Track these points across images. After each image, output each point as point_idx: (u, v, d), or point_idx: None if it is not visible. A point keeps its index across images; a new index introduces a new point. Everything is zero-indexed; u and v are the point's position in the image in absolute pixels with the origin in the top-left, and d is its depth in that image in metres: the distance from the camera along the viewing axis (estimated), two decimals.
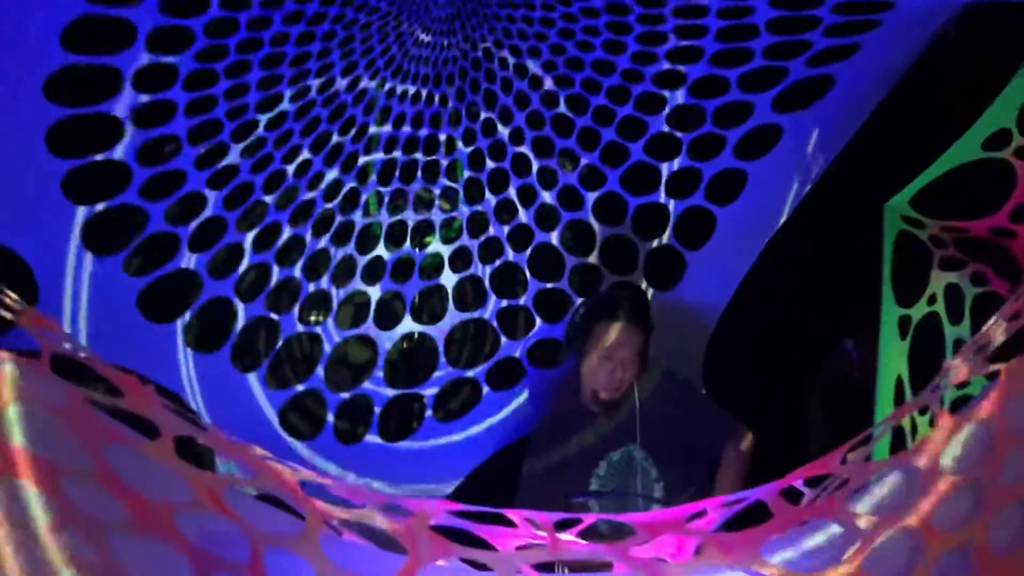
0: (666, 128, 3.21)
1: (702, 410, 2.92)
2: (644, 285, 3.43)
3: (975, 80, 2.83)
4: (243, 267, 3.15)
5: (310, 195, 3.18)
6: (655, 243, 3.39)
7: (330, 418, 3.35)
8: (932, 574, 1.40)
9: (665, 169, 3.28)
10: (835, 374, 3.49)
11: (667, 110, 3.17)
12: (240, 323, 3.19)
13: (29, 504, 1.25)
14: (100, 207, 2.77)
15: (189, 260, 3.02)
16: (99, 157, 2.70)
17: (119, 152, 2.72)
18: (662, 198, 3.33)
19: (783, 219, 3.27)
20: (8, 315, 1.45)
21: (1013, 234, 2.88)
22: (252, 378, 3.25)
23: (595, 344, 2.85)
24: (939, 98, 3.07)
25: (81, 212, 2.73)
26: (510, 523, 1.53)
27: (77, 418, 1.37)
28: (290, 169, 3.10)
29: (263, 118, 2.93)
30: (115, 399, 1.41)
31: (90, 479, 1.34)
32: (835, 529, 1.52)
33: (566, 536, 1.55)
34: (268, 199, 3.10)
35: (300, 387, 3.35)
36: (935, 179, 2.91)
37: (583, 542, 1.55)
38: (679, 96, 3.12)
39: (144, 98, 2.63)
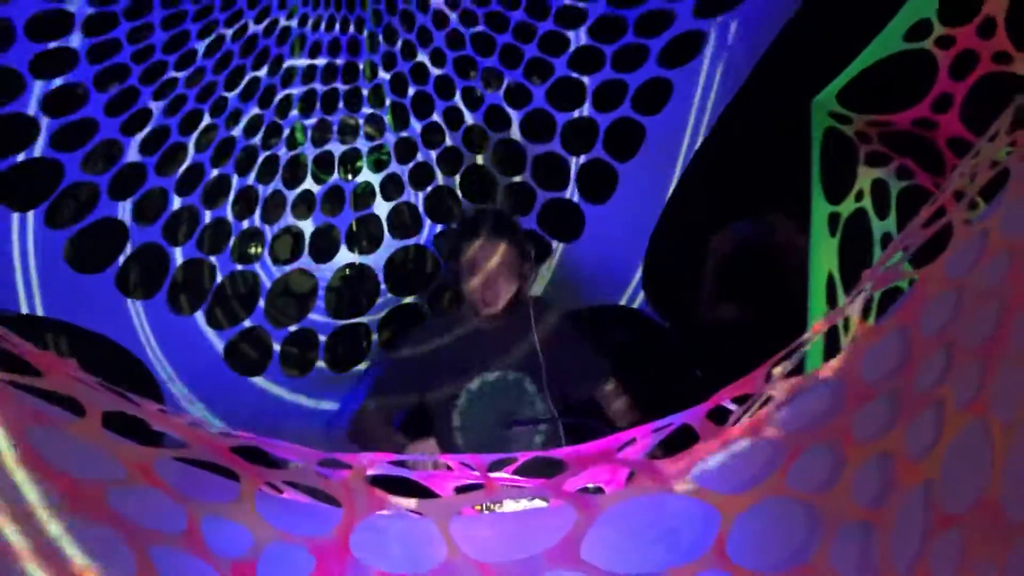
0: (588, 41, 3.16)
1: (579, 350, 2.98)
2: (577, 198, 3.44)
3: None
4: (169, 211, 3.08)
5: (230, 133, 3.10)
6: (585, 157, 3.37)
7: (277, 350, 3.34)
8: (853, 484, 1.46)
9: (590, 82, 3.24)
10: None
11: (588, 22, 3.11)
12: (174, 266, 3.16)
13: None
14: (10, 162, 2.68)
15: (112, 208, 2.95)
16: (3, 112, 2.59)
17: (24, 105, 2.61)
18: (589, 111, 3.30)
19: (712, 123, 3.25)
20: None
21: (936, 125, 2.91)
22: (199, 317, 3.23)
23: (467, 262, 2.87)
24: None
25: None
26: (446, 467, 1.56)
27: None
28: (206, 108, 3.01)
29: (171, 58, 2.83)
30: (35, 379, 1.39)
31: (16, 464, 1.33)
32: (760, 446, 1.56)
33: (501, 475, 1.58)
34: (187, 140, 3.02)
35: (246, 323, 3.33)
36: (860, 73, 2.91)
37: (518, 479, 1.58)
38: (599, 8, 3.06)
39: (41, 48, 2.51)
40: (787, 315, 2.95)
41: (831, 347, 2.69)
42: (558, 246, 3.47)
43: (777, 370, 1.67)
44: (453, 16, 3.13)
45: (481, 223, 2.89)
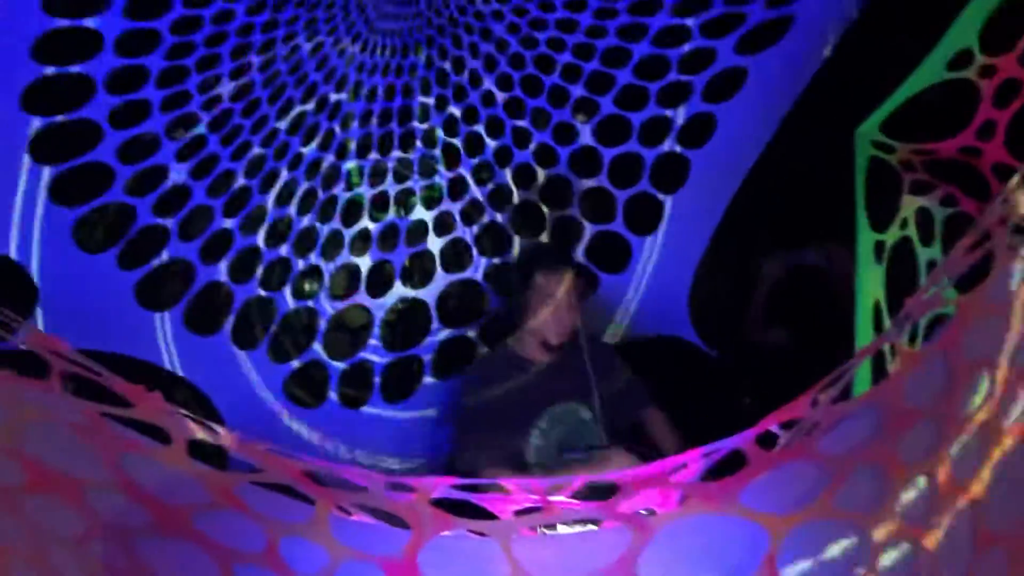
0: (633, 79, 3.24)
1: (626, 376, 3.04)
2: (624, 230, 3.52)
3: (937, 2, 2.87)
4: (234, 251, 3.22)
5: (292, 175, 3.24)
6: (632, 191, 3.45)
7: (333, 385, 3.45)
8: (899, 504, 1.51)
9: (635, 119, 3.32)
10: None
11: (633, 62, 3.20)
12: (237, 304, 3.27)
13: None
14: (88, 207, 2.83)
15: (181, 249, 3.09)
16: (82, 160, 2.75)
17: (101, 153, 2.77)
18: (636, 147, 3.38)
19: (756, 156, 3.31)
20: (14, 338, 1.53)
21: (980, 152, 2.94)
22: (250, 356, 3.33)
23: (537, 294, 2.94)
24: (903, 21, 3.10)
25: (71, 213, 2.80)
26: (505, 491, 1.63)
27: (93, 432, 1.46)
28: (270, 153, 3.16)
29: (238, 107, 2.98)
30: (126, 410, 1.51)
31: (112, 489, 1.45)
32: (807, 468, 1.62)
33: (559, 498, 1.65)
34: (251, 183, 3.17)
35: (300, 360, 3.44)
36: (903, 102, 2.95)
37: (575, 502, 1.65)
38: (643, 48, 3.15)
39: (119, 100, 2.68)
40: (836, 342, 2.98)
41: (879, 372, 2.72)
42: (641, 283, 3.53)
43: (823, 396, 1.72)
44: (503, 59, 3.26)
45: (546, 256, 2.99)
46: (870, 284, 3.06)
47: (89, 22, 2.49)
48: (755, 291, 3.52)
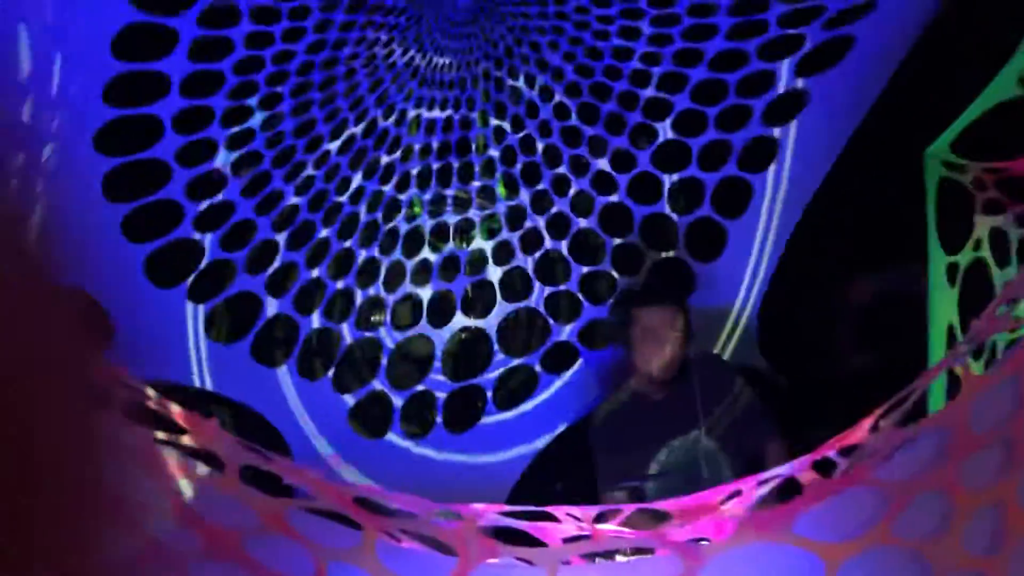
0: (691, 104, 3.23)
1: (752, 406, 2.98)
2: (687, 257, 3.48)
3: (1006, 17, 2.79)
4: (298, 284, 3.29)
5: (353, 208, 3.31)
6: (693, 216, 3.42)
7: (396, 417, 3.48)
8: (963, 532, 1.45)
9: (694, 144, 3.30)
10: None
11: (689, 86, 3.18)
12: (301, 336, 3.34)
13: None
14: (159, 243, 2.93)
15: (247, 283, 3.18)
16: (153, 198, 2.85)
17: (169, 190, 2.87)
18: (696, 172, 3.35)
19: (821, 179, 3.24)
20: None
21: None
22: (314, 387, 3.38)
23: (638, 329, 2.93)
24: (971, 38, 3.02)
25: (143, 249, 2.90)
26: (554, 518, 1.62)
27: (148, 458, 1.51)
28: (332, 187, 3.24)
29: (301, 143, 3.07)
30: (180, 436, 1.55)
31: (166, 513, 1.48)
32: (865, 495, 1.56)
33: (607, 526, 1.64)
34: (314, 217, 3.24)
35: (364, 392, 3.49)
36: (974, 120, 2.87)
37: (625, 531, 1.63)
38: (700, 72, 3.13)
39: (185, 139, 2.78)
40: (917, 369, 2.88)
41: (954, 396, 2.62)
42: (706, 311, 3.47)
43: (884, 421, 1.67)
44: (559, 88, 3.28)
45: (646, 293, 2.99)
46: (943, 307, 2.97)
47: (156, 65, 2.59)
48: (839, 317, 3.43)
